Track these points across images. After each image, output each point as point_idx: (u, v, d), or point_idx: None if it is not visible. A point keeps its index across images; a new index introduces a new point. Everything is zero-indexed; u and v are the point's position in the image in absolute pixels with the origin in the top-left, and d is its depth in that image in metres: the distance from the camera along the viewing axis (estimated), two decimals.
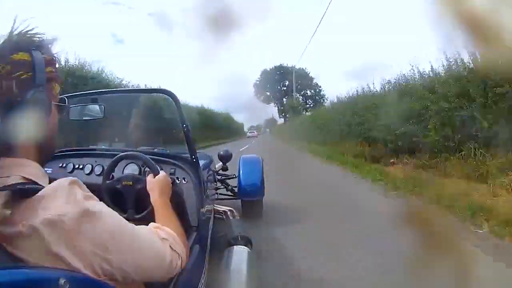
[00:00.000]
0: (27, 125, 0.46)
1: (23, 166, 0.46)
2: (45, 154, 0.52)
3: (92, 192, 0.49)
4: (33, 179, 0.45)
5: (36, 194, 0.42)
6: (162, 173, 0.95)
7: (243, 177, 2.38)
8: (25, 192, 0.42)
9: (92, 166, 1.27)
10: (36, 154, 0.49)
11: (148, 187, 0.90)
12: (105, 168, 1.15)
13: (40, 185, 0.45)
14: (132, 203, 1.05)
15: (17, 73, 0.47)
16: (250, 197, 2.40)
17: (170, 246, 0.57)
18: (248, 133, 27.25)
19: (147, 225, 0.59)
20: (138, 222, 0.53)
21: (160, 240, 0.57)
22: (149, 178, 0.93)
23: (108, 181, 1.10)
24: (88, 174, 1.26)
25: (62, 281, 0.37)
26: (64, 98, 0.57)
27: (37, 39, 0.50)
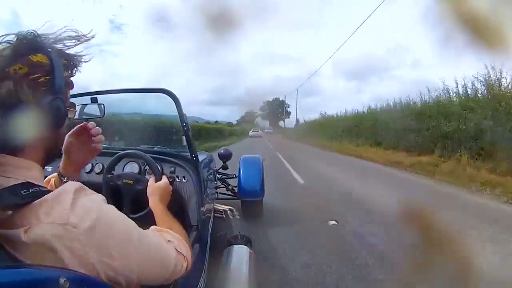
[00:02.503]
0: (39, 130, 0.44)
1: (27, 169, 0.45)
2: (52, 157, 0.51)
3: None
4: (36, 182, 0.44)
5: (40, 199, 0.41)
6: (164, 179, 0.93)
7: (243, 177, 2.38)
8: (27, 195, 0.41)
9: (92, 164, 1.27)
10: (43, 157, 0.48)
11: (148, 191, 0.88)
12: (105, 166, 1.15)
13: (43, 188, 0.44)
14: (129, 202, 1.04)
15: (34, 76, 0.44)
16: (250, 197, 2.40)
17: (175, 249, 0.56)
18: (250, 133, 25.28)
19: (141, 226, 0.58)
20: None
21: (166, 242, 0.56)
22: (151, 182, 0.91)
23: (108, 176, 1.09)
24: (88, 173, 1.26)
25: (62, 280, 0.37)
26: (74, 103, 0.55)
27: (56, 40, 0.47)
